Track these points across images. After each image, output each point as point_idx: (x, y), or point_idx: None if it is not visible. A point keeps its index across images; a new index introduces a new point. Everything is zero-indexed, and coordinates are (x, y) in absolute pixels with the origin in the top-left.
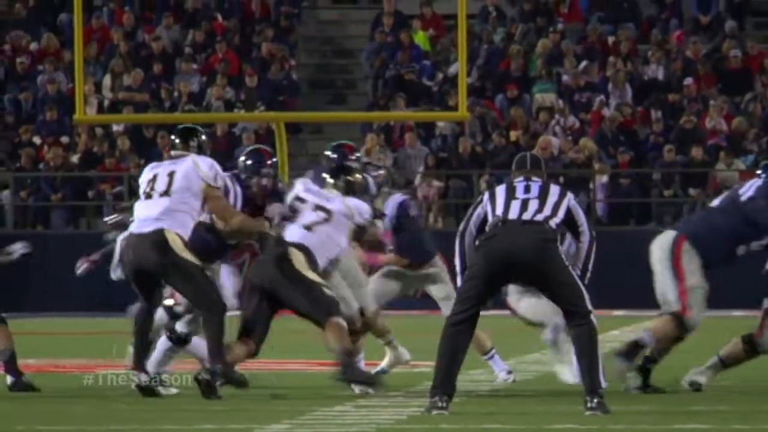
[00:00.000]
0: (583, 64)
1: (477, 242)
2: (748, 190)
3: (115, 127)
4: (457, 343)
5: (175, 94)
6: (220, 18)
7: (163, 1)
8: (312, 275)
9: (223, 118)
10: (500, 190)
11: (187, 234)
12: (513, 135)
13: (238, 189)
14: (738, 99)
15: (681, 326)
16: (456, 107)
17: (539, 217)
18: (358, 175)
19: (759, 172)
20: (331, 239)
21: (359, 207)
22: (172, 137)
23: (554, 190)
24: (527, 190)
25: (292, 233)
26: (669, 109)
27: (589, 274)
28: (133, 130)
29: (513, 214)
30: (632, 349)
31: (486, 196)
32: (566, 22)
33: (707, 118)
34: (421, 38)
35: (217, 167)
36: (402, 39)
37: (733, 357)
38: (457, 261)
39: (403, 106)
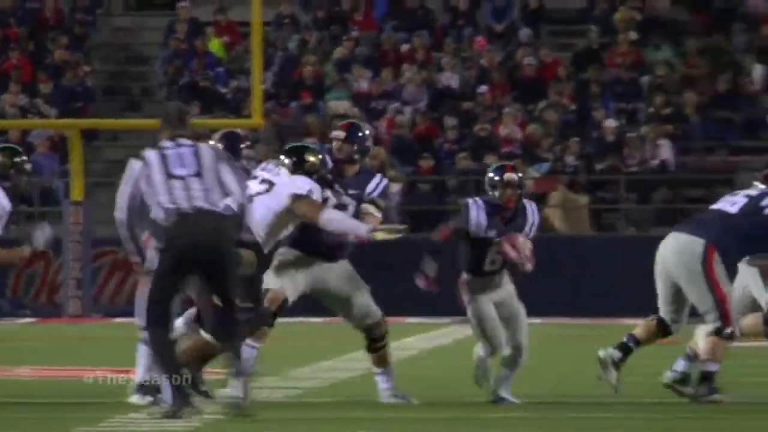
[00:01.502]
0: (368, 70)
1: (160, 242)
2: None
3: None
4: (168, 338)
5: None
6: (13, 24)
7: None
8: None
9: (17, 125)
10: (154, 165)
11: None
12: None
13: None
14: (532, 107)
15: (729, 338)
16: (250, 114)
17: (216, 205)
18: (311, 157)
19: (761, 185)
20: (269, 209)
21: (301, 180)
22: None
23: (206, 152)
24: (181, 161)
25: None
26: (463, 116)
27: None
28: None
29: (183, 201)
30: (707, 381)
31: (136, 167)
32: (361, 29)
33: (501, 126)
34: (215, 45)
35: None
36: (196, 46)
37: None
38: (135, 254)
39: (198, 113)
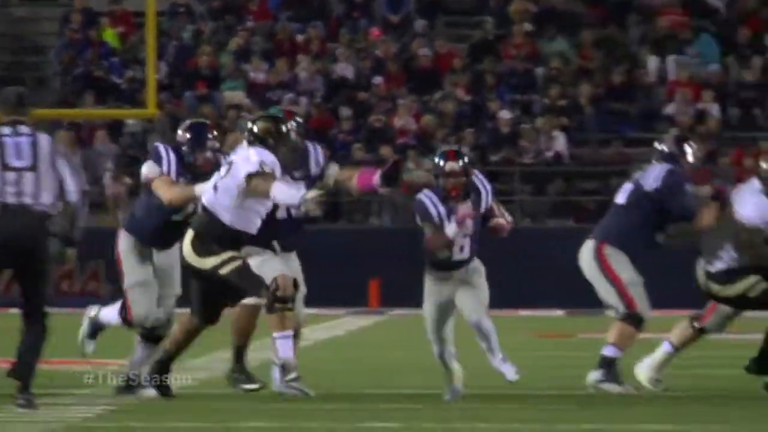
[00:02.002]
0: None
1: None
2: (651, 179)
3: None
4: None
5: None
6: None
7: None
8: (208, 262)
9: None
10: None
11: None
12: None
13: (172, 156)
14: (427, 98)
15: (636, 324)
16: (145, 104)
17: (42, 204)
18: (262, 123)
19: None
20: (230, 192)
21: (255, 152)
22: None
23: (44, 144)
24: (18, 152)
25: (207, 197)
26: (358, 107)
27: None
28: None
29: (11, 196)
30: (607, 367)
31: None
32: (256, 20)
33: (396, 117)
34: (110, 35)
35: None
36: (91, 36)
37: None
38: None
39: (93, 103)
